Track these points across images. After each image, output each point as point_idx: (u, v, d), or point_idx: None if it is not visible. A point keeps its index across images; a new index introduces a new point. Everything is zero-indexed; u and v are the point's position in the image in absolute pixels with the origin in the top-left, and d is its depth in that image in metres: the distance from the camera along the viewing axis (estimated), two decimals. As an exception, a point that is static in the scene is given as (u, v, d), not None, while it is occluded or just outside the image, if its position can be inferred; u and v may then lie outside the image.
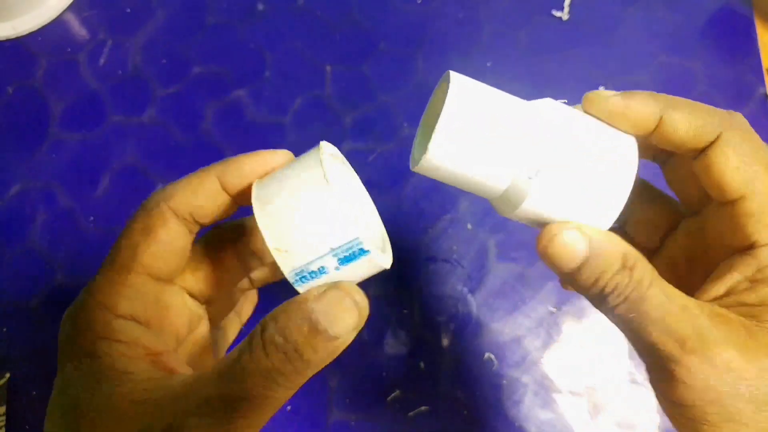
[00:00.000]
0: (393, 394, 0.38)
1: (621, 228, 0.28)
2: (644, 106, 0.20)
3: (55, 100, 0.44)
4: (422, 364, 0.38)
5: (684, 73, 0.45)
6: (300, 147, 0.46)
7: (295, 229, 0.18)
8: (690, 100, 0.21)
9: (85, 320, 0.20)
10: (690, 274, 0.24)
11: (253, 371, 0.17)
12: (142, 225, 0.21)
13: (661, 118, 0.21)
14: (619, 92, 0.21)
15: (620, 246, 0.20)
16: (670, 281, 0.20)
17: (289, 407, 0.37)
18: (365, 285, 0.19)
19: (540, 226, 0.21)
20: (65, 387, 0.20)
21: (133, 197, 0.42)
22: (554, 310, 0.39)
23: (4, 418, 0.37)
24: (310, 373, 0.18)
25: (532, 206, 0.20)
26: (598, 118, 0.21)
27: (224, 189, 0.22)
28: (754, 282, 0.20)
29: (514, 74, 0.45)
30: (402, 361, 0.38)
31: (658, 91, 0.21)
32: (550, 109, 0.21)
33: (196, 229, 0.22)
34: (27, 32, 0.46)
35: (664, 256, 0.26)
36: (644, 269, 0.19)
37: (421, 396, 0.37)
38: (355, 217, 0.18)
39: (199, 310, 0.25)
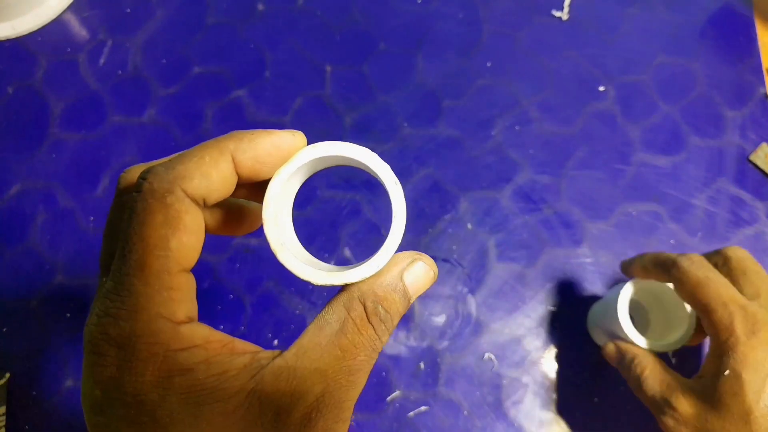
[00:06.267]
0: (393, 394, 0.37)
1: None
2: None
3: (55, 100, 0.44)
4: (422, 364, 0.38)
5: (684, 73, 0.45)
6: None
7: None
8: None
9: (149, 338, 0.17)
10: None
11: (362, 344, 0.19)
12: (162, 217, 0.18)
13: None
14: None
15: None
16: None
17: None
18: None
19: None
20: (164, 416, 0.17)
21: (133, 197, 0.42)
22: (554, 309, 0.39)
23: (4, 418, 0.37)
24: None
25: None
26: None
27: (235, 170, 0.20)
28: None
29: (514, 74, 0.45)
30: (402, 361, 0.38)
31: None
32: None
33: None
34: (27, 32, 0.46)
35: None
36: None
37: (421, 396, 0.37)
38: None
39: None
